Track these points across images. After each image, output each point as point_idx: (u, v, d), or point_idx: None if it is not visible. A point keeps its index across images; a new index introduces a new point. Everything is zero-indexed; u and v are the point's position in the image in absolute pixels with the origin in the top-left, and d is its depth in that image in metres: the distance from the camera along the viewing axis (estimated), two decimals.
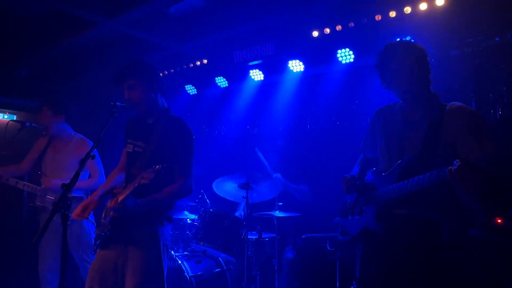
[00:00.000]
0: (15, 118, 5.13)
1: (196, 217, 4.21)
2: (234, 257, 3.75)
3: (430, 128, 1.88)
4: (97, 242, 2.45)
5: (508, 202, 1.74)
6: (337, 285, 3.43)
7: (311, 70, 4.63)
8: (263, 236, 3.92)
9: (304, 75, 4.75)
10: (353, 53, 4.13)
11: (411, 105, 2.00)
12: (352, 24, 3.87)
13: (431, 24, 3.47)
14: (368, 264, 2.02)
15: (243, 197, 3.83)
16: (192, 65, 5.25)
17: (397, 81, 1.97)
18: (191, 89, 5.59)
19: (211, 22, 4.61)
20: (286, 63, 4.57)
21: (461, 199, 1.58)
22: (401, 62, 1.94)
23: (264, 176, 3.94)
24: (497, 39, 3.43)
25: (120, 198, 2.24)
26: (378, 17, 3.70)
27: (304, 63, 4.53)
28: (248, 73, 4.92)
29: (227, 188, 4.10)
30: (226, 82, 5.25)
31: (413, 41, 2.81)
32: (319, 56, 4.37)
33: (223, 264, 3.95)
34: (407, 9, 3.54)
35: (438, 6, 3.40)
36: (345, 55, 4.16)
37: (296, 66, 4.58)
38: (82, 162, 2.04)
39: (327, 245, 2.43)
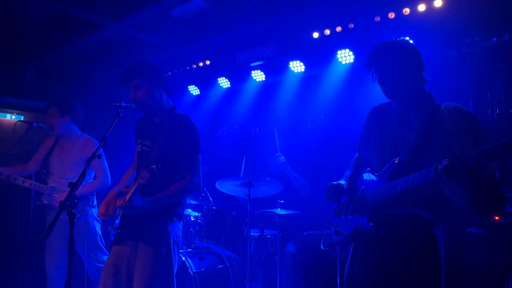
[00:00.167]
0: (22, 119, 5.14)
1: (200, 214, 4.27)
2: (237, 253, 3.80)
3: (423, 128, 1.83)
4: (112, 238, 2.49)
5: (503, 201, 1.69)
6: (337, 280, 3.48)
7: (311, 71, 4.66)
8: (265, 233, 3.97)
9: (304, 75, 4.79)
10: (353, 54, 4.16)
11: (404, 104, 1.95)
12: (352, 25, 3.90)
13: (429, 25, 3.50)
14: (359, 264, 1.99)
15: (245, 195, 3.88)
16: (195, 66, 5.30)
17: (382, 82, 1.93)
18: (194, 90, 5.64)
19: (214, 24, 4.68)
20: (287, 63, 4.61)
21: (450, 199, 1.53)
22: (384, 63, 1.90)
23: (265, 178, 3.99)
24: (494, 39, 3.45)
25: (127, 197, 2.28)
26: (377, 19, 3.73)
27: (304, 64, 4.57)
28: (250, 73, 4.96)
29: (230, 187, 4.15)
30: (229, 82, 5.30)
31: (407, 39, 2.71)
32: (319, 57, 4.40)
33: (226, 261, 3.99)
34: (406, 10, 3.58)
35: (436, 7, 3.44)
36: (345, 56, 4.20)
37: (297, 66, 4.62)
38: (89, 161, 2.08)
39: (321, 244, 2.39)
